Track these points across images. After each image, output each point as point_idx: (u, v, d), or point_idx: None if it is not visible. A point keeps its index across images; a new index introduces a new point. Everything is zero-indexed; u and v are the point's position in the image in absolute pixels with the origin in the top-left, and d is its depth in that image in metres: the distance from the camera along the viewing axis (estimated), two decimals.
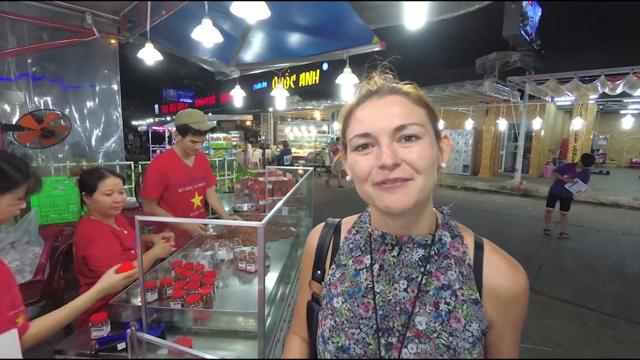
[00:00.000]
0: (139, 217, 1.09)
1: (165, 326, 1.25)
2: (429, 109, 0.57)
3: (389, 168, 0.51)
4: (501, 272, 0.56)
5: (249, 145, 13.67)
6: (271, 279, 1.67)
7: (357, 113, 0.57)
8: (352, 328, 0.58)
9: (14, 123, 3.24)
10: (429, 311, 0.55)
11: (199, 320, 1.29)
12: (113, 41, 3.84)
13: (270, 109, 16.82)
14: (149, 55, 3.14)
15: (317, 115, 18.43)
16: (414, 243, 0.60)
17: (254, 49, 4.00)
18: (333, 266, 0.67)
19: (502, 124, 9.97)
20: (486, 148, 12.39)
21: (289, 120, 18.93)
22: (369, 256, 0.63)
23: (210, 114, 17.84)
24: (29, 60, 3.35)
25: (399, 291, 0.58)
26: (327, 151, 14.34)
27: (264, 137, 18.93)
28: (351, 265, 0.64)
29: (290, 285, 1.81)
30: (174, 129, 2.18)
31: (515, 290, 0.55)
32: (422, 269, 0.58)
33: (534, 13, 10.11)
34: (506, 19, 9.31)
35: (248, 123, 20.40)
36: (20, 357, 0.82)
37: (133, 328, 1.01)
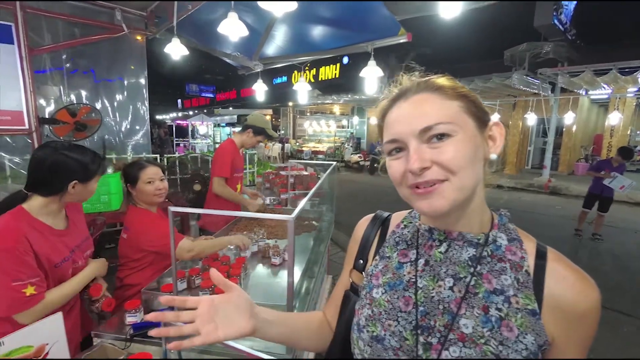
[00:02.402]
0: (172, 209, 1.12)
1: None
2: (465, 101, 0.53)
3: (416, 173, 0.50)
4: (567, 284, 0.51)
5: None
6: (295, 272, 1.67)
7: (387, 118, 0.56)
8: (390, 319, 0.56)
9: (49, 116, 3.39)
10: (476, 315, 0.52)
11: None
12: (139, 37, 3.94)
13: (290, 104, 16.86)
14: (176, 50, 3.21)
15: (337, 109, 18.32)
16: (464, 240, 0.57)
17: (277, 42, 3.99)
18: (377, 257, 0.66)
19: (531, 119, 9.55)
20: (513, 144, 11.93)
21: (308, 114, 18.93)
22: (414, 251, 0.61)
23: (231, 108, 18.11)
24: (64, 56, 3.49)
25: (444, 289, 0.55)
26: (346, 146, 14.25)
27: (283, 132, 19.04)
28: (395, 257, 0.63)
29: (314, 279, 1.81)
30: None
31: (583, 306, 0.50)
32: (472, 269, 0.55)
33: (569, 1, 9.55)
34: (538, 8, 8.84)
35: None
36: (65, 338, 0.85)
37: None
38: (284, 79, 14.84)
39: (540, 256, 0.55)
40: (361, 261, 0.68)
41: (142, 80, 4.11)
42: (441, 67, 0.60)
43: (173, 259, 1.16)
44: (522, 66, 9.36)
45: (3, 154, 3.30)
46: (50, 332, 0.82)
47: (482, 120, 0.55)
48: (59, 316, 0.84)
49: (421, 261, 0.59)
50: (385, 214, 0.73)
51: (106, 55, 3.76)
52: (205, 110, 18.10)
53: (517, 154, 11.93)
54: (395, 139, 0.53)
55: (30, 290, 1.04)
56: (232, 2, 2.35)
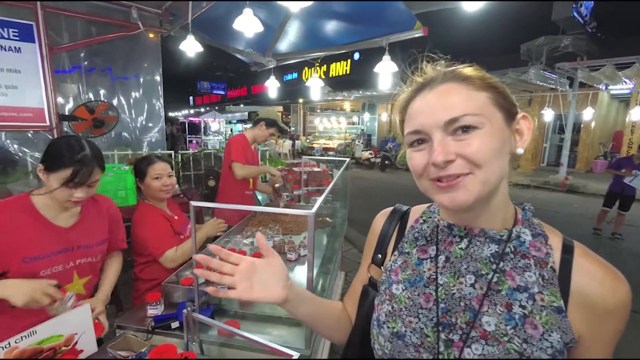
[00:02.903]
0: (193, 203, 1.13)
1: (214, 309, 1.29)
2: (494, 92, 0.52)
3: (440, 166, 0.48)
4: (595, 280, 0.50)
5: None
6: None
7: (409, 108, 0.55)
8: (410, 316, 0.56)
9: (69, 113, 3.47)
10: (499, 312, 0.51)
11: (244, 304, 1.33)
12: (152, 35, 3.99)
13: (301, 100, 16.85)
14: (190, 47, 3.24)
15: (347, 106, 18.22)
16: (486, 237, 0.55)
17: (290, 38, 3.98)
18: (395, 253, 0.65)
19: (548, 115, 9.30)
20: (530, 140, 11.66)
21: (319, 111, 18.90)
22: (434, 247, 0.60)
23: (241, 105, 18.23)
24: (82, 54, 3.56)
25: (465, 286, 0.54)
26: (357, 142, 14.18)
27: (293, 128, 19.06)
28: (415, 254, 0.62)
29: (329, 276, 1.81)
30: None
31: (611, 302, 0.48)
32: (494, 266, 0.54)
33: None
34: (557, 1, 8.58)
35: (278, 114, 20.61)
36: (92, 329, 0.88)
37: (189, 308, 1.05)
38: (295, 75, 14.84)
39: (567, 251, 0.53)
40: (379, 256, 0.68)
41: (157, 78, 4.16)
42: (454, 62, 0.58)
43: (194, 251, 1.17)
44: (539, 60, 9.11)
45: (25, 150, 3.40)
46: (79, 322, 0.84)
47: (510, 112, 0.53)
48: (87, 307, 0.87)
49: (441, 257, 0.58)
50: (405, 208, 0.72)
51: (122, 54, 3.82)
52: (216, 107, 18.27)
53: (532, 151, 11.66)
54: (419, 130, 0.51)
55: None
56: None
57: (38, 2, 3.08)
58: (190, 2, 3.07)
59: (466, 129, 0.48)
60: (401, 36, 3.04)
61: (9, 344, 0.71)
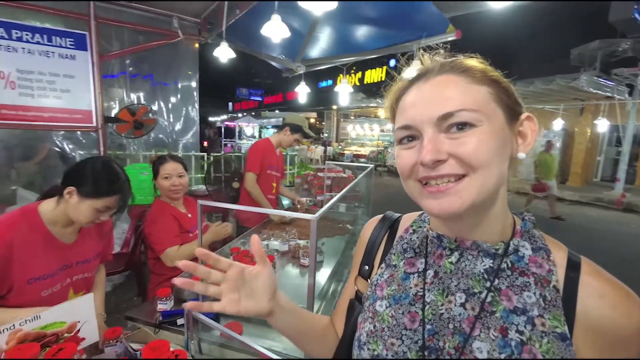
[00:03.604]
0: (201, 202, 1.14)
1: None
2: (496, 87, 0.46)
3: (429, 165, 0.43)
4: (605, 302, 0.42)
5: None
6: (324, 274, 1.63)
7: (402, 101, 0.49)
8: (393, 337, 0.50)
9: (113, 116, 3.75)
10: (493, 337, 0.44)
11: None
12: (192, 43, 4.21)
13: (334, 107, 16.93)
14: (223, 54, 3.38)
15: (381, 113, 18.01)
16: (479, 250, 0.49)
17: (320, 44, 4.01)
18: (383, 265, 0.59)
19: (602, 125, 8.49)
20: (578, 152, 10.73)
21: (352, 118, 18.86)
22: (422, 260, 0.54)
23: (277, 111, 18.69)
24: (127, 61, 3.85)
25: (455, 305, 0.48)
26: (389, 150, 13.93)
27: (326, 135, 19.17)
28: (402, 267, 0.56)
29: (343, 282, 1.75)
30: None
31: (625, 328, 0.41)
32: (488, 284, 0.47)
33: None
34: (615, 2, 7.86)
35: (312, 120, 20.86)
36: (95, 319, 0.91)
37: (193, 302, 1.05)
38: (329, 82, 14.96)
39: (573, 268, 0.46)
40: (366, 267, 0.62)
41: (194, 84, 4.39)
42: (495, 68, 0.52)
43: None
44: (592, 66, 8.37)
45: (74, 148, 3.72)
46: (82, 311, 0.87)
47: (513, 111, 0.47)
48: (90, 297, 0.90)
49: (430, 272, 0.52)
50: (396, 216, 0.66)
51: (163, 61, 4.08)
52: (253, 113, 18.91)
53: (583, 164, 10.69)
54: (409, 125, 0.46)
55: None
56: (276, 3, 2.39)
57: (92, 13, 3.37)
58: (225, 11, 3.21)
59: (462, 126, 0.43)
60: (433, 40, 2.94)
61: (14, 325, 0.76)
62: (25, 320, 0.78)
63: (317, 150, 13.67)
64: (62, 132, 3.59)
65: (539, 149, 6.49)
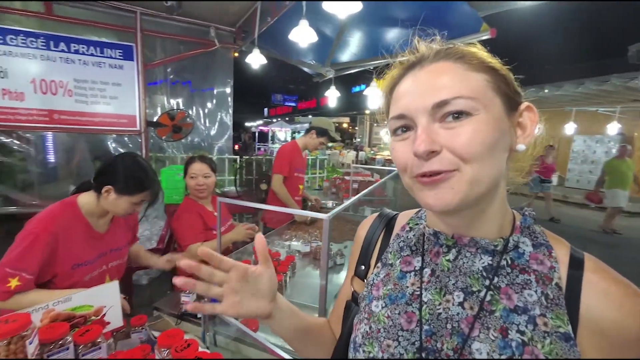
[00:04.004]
0: (220, 199, 1.19)
1: None
2: (494, 75, 0.44)
3: (423, 157, 0.41)
4: (610, 301, 0.40)
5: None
6: (342, 276, 1.62)
7: (396, 90, 0.47)
8: (389, 339, 0.48)
9: (155, 120, 4.02)
10: (492, 338, 0.42)
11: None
12: (235, 53, 4.42)
13: (367, 112, 16.81)
14: (255, 60, 3.51)
15: None
16: (477, 247, 0.47)
17: (351, 48, 4.02)
18: (379, 264, 0.58)
19: None
20: (639, 159, 9.69)
21: (386, 122, 18.62)
22: (419, 258, 0.52)
23: (310, 117, 18.93)
24: (169, 69, 4.11)
25: (453, 305, 0.46)
26: None
27: (359, 140, 19.08)
28: (398, 265, 0.54)
29: None
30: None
31: (631, 329, 0.38)
32: (487, 282, 0.45)
33: None
34: None
35: (345, 125, 20.87)
36: (120, 305, 0.97)
37: (206, 299, 1.09)
38: (362, 87, 14.89)
39: (575, 265, 0.43)
40: (362, 267, 0.61)
41: (228, 90, 4.58)
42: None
43: (219, 247, 1.23)
44: None
45: (120, 150, 4.03)
46: (108, 297, 0.94)
47: (512, 101, 0.45)
48: (115, 284, 0.97)
49: (427, 271, 0.50)
50: (392, 214, 0.64)
51: (201, 68, 4.32)
52: (287, 118, 19.33)
53: None
54: (403, 115, 0.45)
55: (13, 283, 1.03)
56: (304, 8, 2.44)
57: (138, 25, 3.66)
58: (257, 19, 3.33)
59: (457, 115, 0.41)
60: (466, 39, 2.83)
61: (47, 305, 0.83)
62: (58, 301, 0.85)
63: (349, 155, 13.62)
64: (112, 135, 3.93)
65: (609, 155, 5.89)
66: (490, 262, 0.46)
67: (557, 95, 8.05)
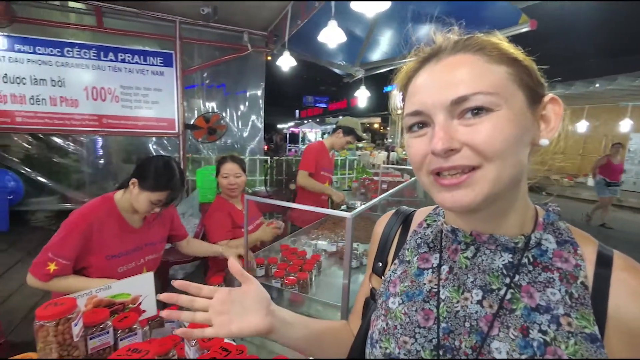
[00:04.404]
0: (248, 197, 1.23)
1: None
2: (516, 67, 0.41)
3: (441, 155, 0.40)
4: None
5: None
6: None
7: (411, 84, 0.46)
8: (405, 335, 0.47)
9: (192, 123, 4.23)
10: (512, 337, 0.40)
11: (293, 301, 1.36)
12: (268, 57, 4.55)
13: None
14: (286, 62, 3.57)
15: None
16: (497, 244, 0.45)
17: (381, 47, 3.98)
18: (396, 261, 0.57)
19: None
20: None
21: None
22: (437, 255, 0.51)
23: (340, 117, 18.91)
24: (205, 74, 4.31)
25: (471, 303, 0.44)
26: None
27: (390, 140, 18.75)
28: (415, 262, 0.53)
29: None
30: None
31: None
32: (508, 280, 0.43)
33: None
34: None
35: (376, 126, 20.61)
36: (154, 295, 1.04)
37: None
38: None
39: (603, 263, 0.41)
40: (380, 264, 0.60)
41: (259, 92, 4.71)
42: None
43: (246, 244, 1.26)
44: None
45: (161, 152, 4.29)
46: (143, 287, 1.01)
47: (535, 93, 0.42)
48: (150, 275, 1.04)
49: (445, 268, 0.49)
50: (409, 210, 0.63)
51: (234, 72, 4.48)
52: (317, 120, 19.48)
53: None
54: (419, 111, 0.43)
55: (52, 267, 1.13)
56: (333, 9, 2.45)
57: (177, 33, 3.88)
58: (288, 22, 3.39)
59: (477, 111, 0.39)
60: (505, 33, 2.68)
61: (91, 292, 0.91)
62: (100, 289, 0.93)
63: (380, 156, 13.42)
64: (153, 138, 4.20)
65: None
66: (510, 260, 0.44)
67: (610, 89, 7.35)
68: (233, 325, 0.49)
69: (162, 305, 1.22)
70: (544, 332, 0.39)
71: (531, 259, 0.44)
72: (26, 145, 3.95)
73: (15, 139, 3.87)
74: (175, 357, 0.87)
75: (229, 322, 0.49)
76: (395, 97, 0.53)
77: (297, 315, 0.58)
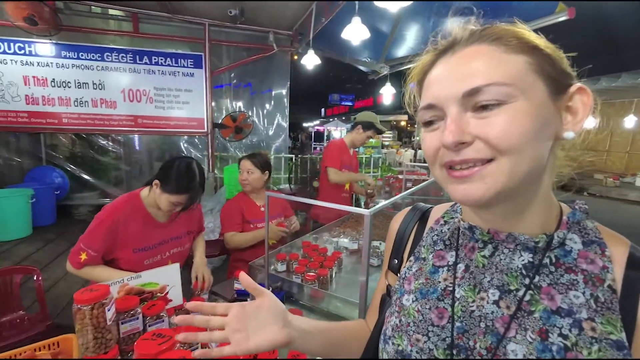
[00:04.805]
0: (268, 193, 1.25)
1: (285, 295, 1.39)
2: (537, 55, 0.39)
3: (451, 149, 0.39)
4: None
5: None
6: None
7: (427, 78, 0.44)
8: (418, 333, 0.47)
9: (220, 122, 4.37)
10: (530, 340, 0.38)
11: (312, 297, 1.37)
12: (294, 56, 4.60)
13: None
14: (310, 61, 3.60)
15: None
16: (516, 243, 0.43)
17: (407, 42, 3.89)
18: (411, 258, 0.56)
19: None
20: None
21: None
22: (453, 253, 0.50)
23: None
24: (232, 74, 4.43)
25: (487, 303, 0.43)
26: None
27: (418, 138, 18.30)
28: (430, 260, 0.52)
29: None
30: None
31: None
32: (527, 281, 0.41)
33: None
34: None
35: (402, 123, 20.19)
36: (180, 285, 1.09)
37: None
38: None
39: (635, 266, 0.38)
40: (396, 261, 0.59)
41: (284, 91, 4.78)
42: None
43: (267, 238, 1.29)
44: None
45: (192, 150, 4.48)
46: (170, 277, 1.06)
47: (559, 84, 0.39)
48: (176, 266, 1.09)
49: (461, 266, 0.47)
50: (426, 207, 0.61)
51: (260, 72, 4.58)
52: (343, 118, 19.40)
53: None
54: (432, 104, 0.42)
55: (83, 256, 1.22)
56: (357, 5, 2.44)
57: (206, 37, 4.02)
58: (312, 20, 3.41)
59: (491, 103, 0.38)
60: (539, 23, 2.53)
61: (123, 280, 0.98)
62: (131, 277, 1.00)
63: (407, 154, 13.15)
64: (185, 137, 4.39)
65: None
66: (531, 260, 0.42)
67: None
68: (250, 342, 0.49)
69: (188, 295, 1.28)
70: (565, 337, 0.37)
71: (553, 260, 0.42)
72: (71, 145, 4.27)
73: (62, 138, 4.19)
74: (199, 346, 0.91)
75: (246, 339, 0.49)
76: (411, 93, 0.52)
77: (316, 322, 0.57)
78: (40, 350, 0.86)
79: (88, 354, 0.80)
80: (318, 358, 0.75)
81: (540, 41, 0.40)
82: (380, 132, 2.54)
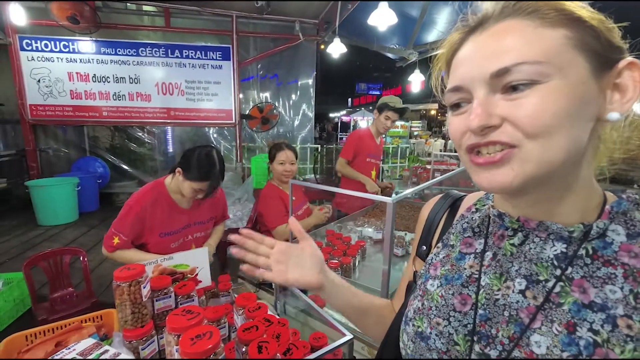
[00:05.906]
0: (292, 182, 1.27)
1: None
2: (578, 29, 0.34)
3: (477, 133, 0.37)
4: None
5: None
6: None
7: (455, 58, 0.42)
8: (439, 317, 0.46)
9: (247, 113, 4.46)
10: (555, 332, 0.37)
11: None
12: (322, 46, 4.57)
13: None
14: (336, 49, 3.55)
15: None
16: (548, 232, 0.40)
17: (437, 26, 3.73)
18: (439, 245, 0.55)
19: None
20: None
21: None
22: (482, 240, 0.48)
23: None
24: (259, 65, 4.48)
25: (513, 292, 0.41)
26: None
27: (447, 128, 17.68)
28: (458, 246, 0.51)
29: None
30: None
31: None
32: (558, 272, 0.39)
33: None
34: None
35: (433, 112, 19.52)
36: (208, 267, 1.15)
37: None
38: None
39: None
40: (424, 247, 0.59)
41: (310, 81, 4.77)
42: None
43: (288, 231, 1.32)
44: None
45: (221, 140, 4.62)
46: (199, 259, 1.12)
47: (604, 59, 0.35)
48: (205, 250, 1.15)
49: (488, 254, 0.46)
50: (459, 195, 0.59)
51: (286, 62, 4.59)
52: (370, 107, 19.09)
53: None
54: (459, 86, 0.39)
55: (115, 240, 1.31)
56: None
57: (234, 29, 4.08)
58: (339, 8, 3.35)
59: (522, 83, 0.35)
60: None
61: (157, 261, 1.04)
62: (164, 258, 1.06)
63: (436, 144, 12.72)
64: (213, 128, 4.53)
65: None
66: (564, 250, 0.40)
67: None
68: (289, 274, 0.56)
69: (216, 279, 1.34)
70: (595, 332, 0.35)
71: (590, 251, 0.39)
72: (110, 137, 4.55)
73: (104, 130, 4.47)
74: (226, 324, 0.96)
75: (286, 272, 0.56)
76: (438, 75, 0.50)
77: (347, 283, 0.62)
78: (86, 322, 0.94)
79: (127, 326, 0.87)
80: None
81: (584, 12, 0.36)
82: (398, 111, 2.42)
